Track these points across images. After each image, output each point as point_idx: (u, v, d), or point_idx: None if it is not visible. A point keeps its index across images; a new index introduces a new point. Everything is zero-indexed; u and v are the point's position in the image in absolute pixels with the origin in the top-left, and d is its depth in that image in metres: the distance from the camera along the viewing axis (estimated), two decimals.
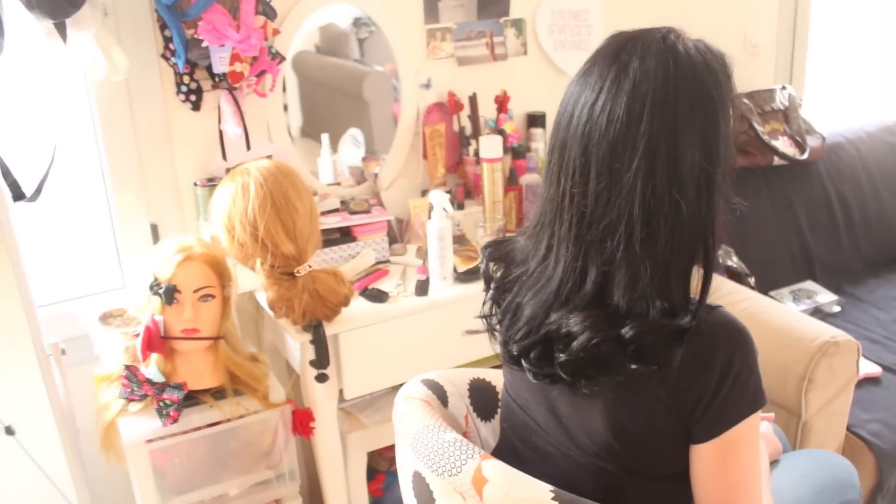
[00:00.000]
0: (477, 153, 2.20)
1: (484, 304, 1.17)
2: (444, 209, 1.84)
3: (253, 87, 1.83)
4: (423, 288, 1.85)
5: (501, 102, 2.23)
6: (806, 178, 2.50)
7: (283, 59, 1.88)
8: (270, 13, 1.80)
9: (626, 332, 0.96)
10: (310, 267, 1.60)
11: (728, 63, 1.00)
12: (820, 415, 1.77)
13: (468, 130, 2.23)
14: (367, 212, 2.00)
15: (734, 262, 2.26)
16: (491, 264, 1.18)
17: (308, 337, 1.67)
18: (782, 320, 1.85)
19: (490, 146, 2.05)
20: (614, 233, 0.97)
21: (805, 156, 2.44)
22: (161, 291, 1.56)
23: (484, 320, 1.17)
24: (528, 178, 2.23)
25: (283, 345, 1.90)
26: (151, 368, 1.60)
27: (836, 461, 1.46)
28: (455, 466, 1.03)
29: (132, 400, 1.61)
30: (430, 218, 1.86)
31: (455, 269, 1.89)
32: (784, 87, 2.51)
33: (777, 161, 2.44)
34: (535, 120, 2.33)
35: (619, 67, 0.96)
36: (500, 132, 2.23)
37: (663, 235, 0.96)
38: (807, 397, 1.74)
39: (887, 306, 2.37)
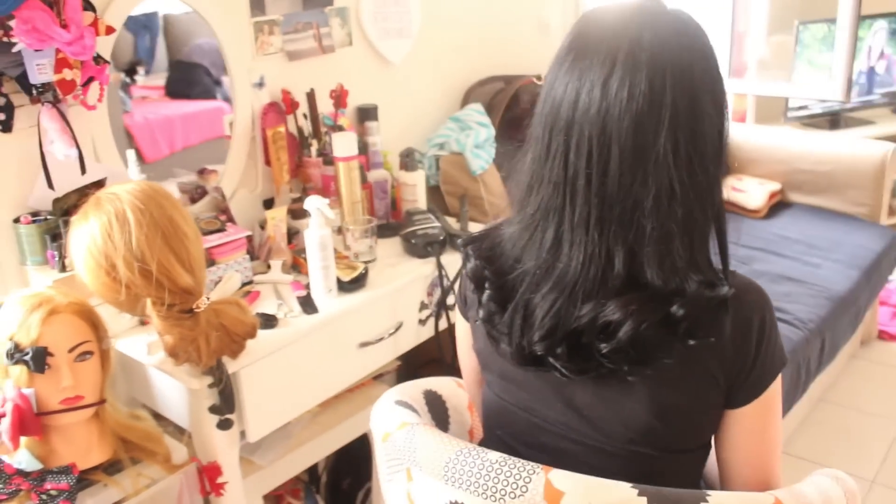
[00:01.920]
0: (320, 153, 2.05)
1: (481, 307, 1.07)
2: (325, 215, 1.68)
3: (80, 97, 1.53)
4: (309, 305, 1.68)
5: (339, 97, 2.09)
6: None
7: (107, 63, 1.58)
8: (89, 8, 1.51)
9: (676, 310, 0.93)
10: (208, 299, 1.37)
11: None
12: None
13: (306, 130, 2.06)
14: (221, 230, 1.77)
15: None
16: (478, 262, 1.09)
17: (207, 381, 1.44)
18: None
19: (344, 144, 1.92)
20: (643, 210, 0.93)
21: None
22: (27, 358, 1.24)
23: (486, 324, 1.07)
24: (375, 175, 2.12)
25: (152, 396, 1.62)
26: (22, 455, 1.27)
27: None
28: (517, 487, 0.93)
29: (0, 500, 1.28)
30: (308, 226, 1.69)
31: (339, 280, 1.74)
32: None
33: None
34: (367, 113, 2.21)
35: (631, 41, 0.92)
36: (339, 128, 2.09)
37: (696, 206, 0.94)
38: None
39: None
